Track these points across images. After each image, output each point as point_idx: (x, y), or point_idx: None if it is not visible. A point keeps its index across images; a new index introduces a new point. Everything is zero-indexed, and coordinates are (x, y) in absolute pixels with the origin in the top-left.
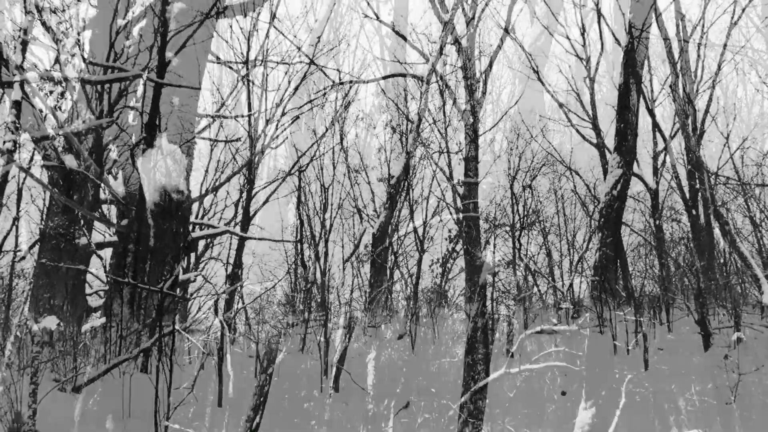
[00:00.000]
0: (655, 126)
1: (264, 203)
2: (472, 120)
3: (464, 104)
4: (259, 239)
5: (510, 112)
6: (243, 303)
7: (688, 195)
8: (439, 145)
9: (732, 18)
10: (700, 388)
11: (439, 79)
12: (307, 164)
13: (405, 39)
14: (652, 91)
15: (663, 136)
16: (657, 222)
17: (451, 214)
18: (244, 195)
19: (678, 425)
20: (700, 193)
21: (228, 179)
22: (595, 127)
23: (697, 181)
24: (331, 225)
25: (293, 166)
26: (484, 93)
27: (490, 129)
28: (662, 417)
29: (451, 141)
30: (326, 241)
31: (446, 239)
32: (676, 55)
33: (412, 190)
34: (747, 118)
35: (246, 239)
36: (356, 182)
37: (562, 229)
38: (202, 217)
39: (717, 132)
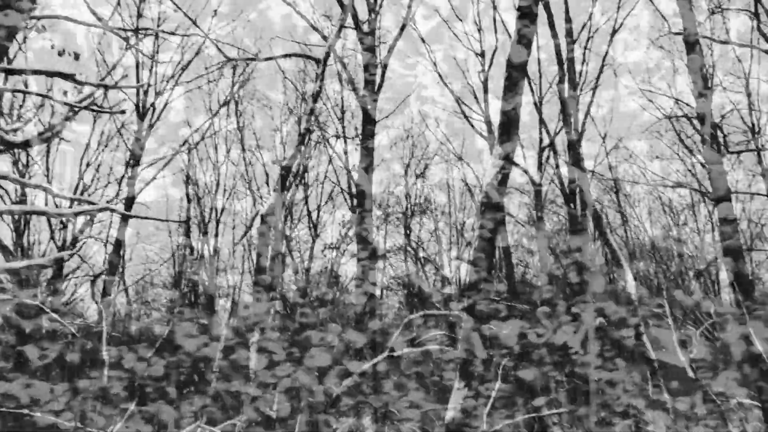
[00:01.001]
0: (542, 122)
1: (150, 181)
2: (369, 106)
3: (362, 89)
4: (144, 218)
5: (408, 100)
6: (124, 285)
7: (567, 189)
8: (336, 129)
9: (614, 26)
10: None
11: (337, 61)
12: (198, 142)
13: (304, 17)
14: (540, 88)
15: (548, 132)
16: (539, 214)
17: (345, 200)
18: (129, 171)
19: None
20: (578, 188)
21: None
22: (487, 121)
23: (576, 176)
24: (223, 206)
25: (183, 143)
26: (382, 79)
27: (387, 117)
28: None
29: (348, 125)
30: (217, 222)
31: (339, 224)
32: (564, 56)
33: (307, 173)
34: (623, 119)
35: (129, 218)
36: (250, 163)
37: (452, 217)
38: (82, 193)
39: (596, 131)
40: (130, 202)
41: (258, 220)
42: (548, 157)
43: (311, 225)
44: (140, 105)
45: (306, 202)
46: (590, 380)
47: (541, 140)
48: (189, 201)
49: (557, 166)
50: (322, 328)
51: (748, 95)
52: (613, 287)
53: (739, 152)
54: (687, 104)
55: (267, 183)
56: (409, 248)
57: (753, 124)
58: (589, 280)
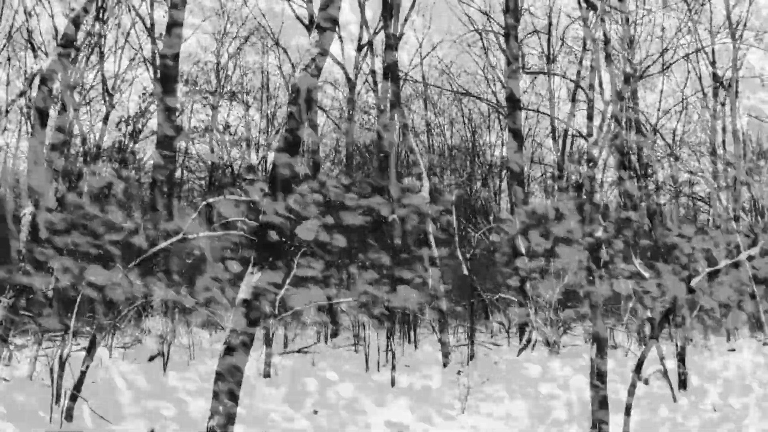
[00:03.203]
0: (364, 22)
1: None
2: None
3: None
4: None
5: None
6: None
7: (380, 92)
8: None
9: None
10: (438, 401)
11: None
12: None
13: None
14: None
15: (368, 29)
16: (350, 112)
17: (147, 69)
18: None
19: None
20: (390, 91)
21: None
22: (310, 13)
23: (390, 78)
24: None
25: None
26: None
27: None
28: None
29: None
30: None
31: (139, 96)
32: None
33: (104, 26)
34: (446, 26)
35: None
36: (31, 13)
37: (265, 104)
38: None
39: (414, 36)
40: None
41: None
42: (366, 56)
43: (106, 94)
44: None
45: (101, 68)
46: (388, 265)
47: (360, 38)
48: None
49: (372, 67)
50: (112, 207)
51: (549, 24)
52: (409, 186)
53: (535, 73)
54: (498, 23)
55: (56, 38)
56: (216, 130)
57: (550, 51)
58: (390, 178)
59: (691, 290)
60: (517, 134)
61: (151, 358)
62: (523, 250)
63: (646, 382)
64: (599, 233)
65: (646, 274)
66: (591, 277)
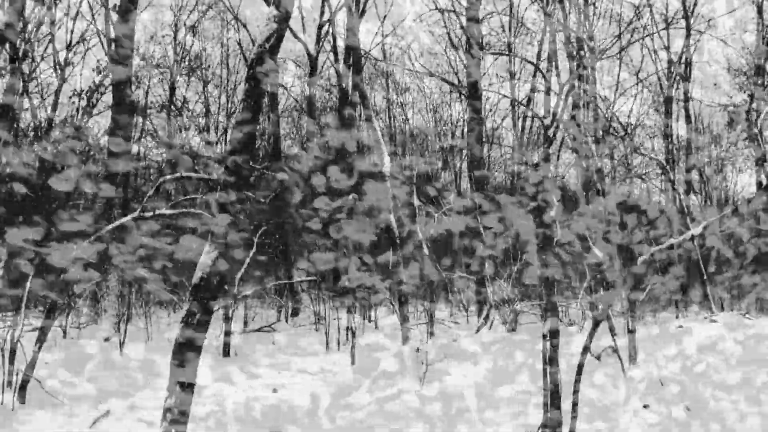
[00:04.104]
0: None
1: None
2: None
3: None
4: None
5: None
6: None
7: (341, 68)
8: None
9: None
10: (399, 378)
11: None
12: None
13: None
14: None
15: (331, 9)
16: (311, 89)
17: (102, 44)
18: None
19: None
20: (351, 67)
21: None
22: None
23: (351, 55)
24: None
25: None
26: None
27: None
28: None
29: None
30: None
31: (93, 70)
32: None
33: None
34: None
35: None
36: None
37: (224, 81)
38: None
39: (376, 14)
40: None
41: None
42: (327, 33)
43: (57, 66)
44: None
45: (52, 39)
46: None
47: (322, 13)
48: None
49: (334, 42)
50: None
51: (510, 6)
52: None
53: (495, 54)
54: (459, 2)
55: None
56: (173, 107)
57: (511, 33)
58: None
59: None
60: (477, 112)
61: (107, 339)
62: (482, 230)
63: (599, 358)
64: (553, 212)
65: (600, 254)
66: (544, 256)
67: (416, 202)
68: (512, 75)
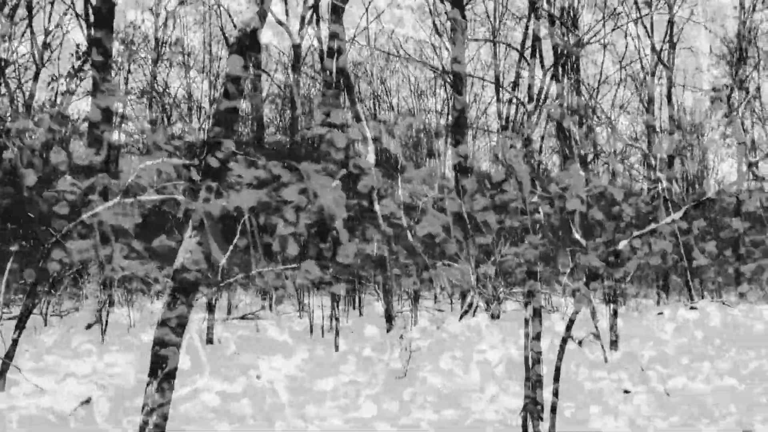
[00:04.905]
0: None
1: None
2: None
3: None
4: None
5: None
6: None
7: (326, 53)
8: None
9: None
10: (383, 366)
11: None
12: None
13: None
14: None
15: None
16: (296, 76)
17: (81, 28)
18: None
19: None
20: (336, 54)
21: None
22: None
23: (336, 44)
24: None
25: None
26: None
27: None
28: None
29: None
30: None
31: (72, 54)
32: None
33: None
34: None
35: None
36: None
37: (207, 67)
38: None
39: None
40: None
41: None
42: (311, 19)
43: (35, 50)
44: None
45: (30, 22)
46: (341, 233)
47: (306, 2)
48: None
49: (318, 31)
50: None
51: None
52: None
53: (480, 40)
54: None
55: None
56: (155, 93)
57: (495, 21)
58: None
59: (617, 256)
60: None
61: (89, 326)
62: (466, 217)
63: (581, 343)
64: (535, 198)
65: (583, 242)
66: (527, 242)
67: (400, 188)
68: (497, 62)
